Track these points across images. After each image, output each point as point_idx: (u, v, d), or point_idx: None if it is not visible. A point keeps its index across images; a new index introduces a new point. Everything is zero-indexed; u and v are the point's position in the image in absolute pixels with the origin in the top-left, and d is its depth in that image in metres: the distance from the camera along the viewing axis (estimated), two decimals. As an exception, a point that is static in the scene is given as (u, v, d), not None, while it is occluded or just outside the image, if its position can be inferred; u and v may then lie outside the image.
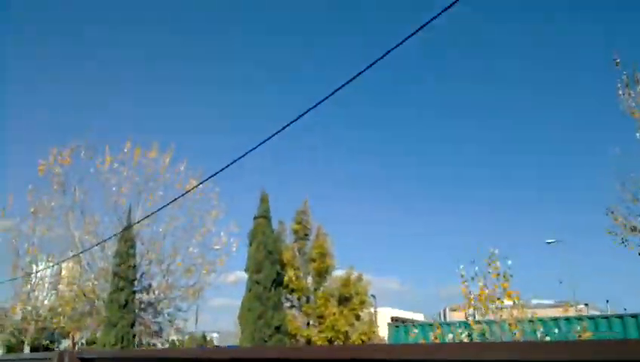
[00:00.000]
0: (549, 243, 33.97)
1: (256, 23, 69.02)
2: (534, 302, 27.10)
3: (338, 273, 19.76)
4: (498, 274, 12.22)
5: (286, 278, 18.40)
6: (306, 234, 19.83)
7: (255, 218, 16.26)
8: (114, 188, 20.21)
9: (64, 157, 20.29)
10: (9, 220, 21.88)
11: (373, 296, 21.62)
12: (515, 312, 12.03)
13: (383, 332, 20.22)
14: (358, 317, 19.28)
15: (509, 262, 11.80)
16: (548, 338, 11.78)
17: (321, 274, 19.41)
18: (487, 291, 12.25)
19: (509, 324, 11.87)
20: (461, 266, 12.25)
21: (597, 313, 23.34)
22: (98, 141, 20.97)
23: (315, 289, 19.42)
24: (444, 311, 39.50)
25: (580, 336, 11.68)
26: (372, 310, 19.47)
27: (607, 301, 35.20)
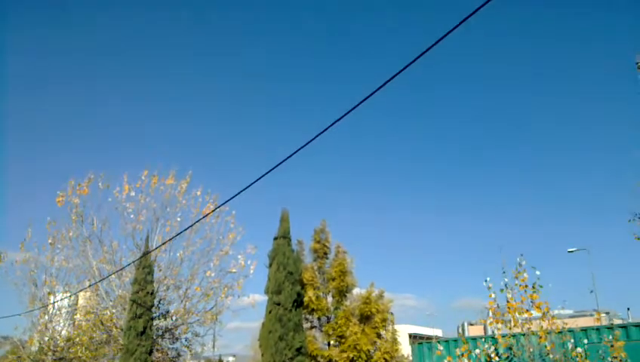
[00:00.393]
0: (571, 251, 33.62)
1: (279, 44, 70.05)
2: (554, 312, 26.58)
3: (358, 291, 19.60)
4: (526, 286, 12.09)
5: (306, 298, 18.25)
6: (325, 253, 19.74)
7: (275, 238, 16.23)
8: (132, 216, 20.32)
9: (82, 187, 20.47)
10: (28, 252, 21.96)
11: (392, 314, 21.36)
12: (544, 324, 11.86)
13: (405, 350, 19.92)
14: (379, 336, 19.05)
15: (538, 273, 11.69)
16: (579, 350, 11.57)
17: (342, 292, 19.24)
18: (515, 303, 12.12)
19: (539, 337, 11.70)
20: (487, 278, 12.14)
21: (619, 321, 22.98)
22: (116, 170, 21.20)
23: (336, 309, 19.23)
24: (463, 325, 39.02)
25: (612, 346, 11.47)
26: (394, 327, 19.21)
27: (629, 309, 34.69)
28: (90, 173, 21.04)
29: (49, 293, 22.87)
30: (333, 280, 19.19)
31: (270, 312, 15.80)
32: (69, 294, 23.60)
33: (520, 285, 11.86)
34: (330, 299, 19.56)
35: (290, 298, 15.76)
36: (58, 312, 25.50)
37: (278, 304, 15.73)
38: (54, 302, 24.23)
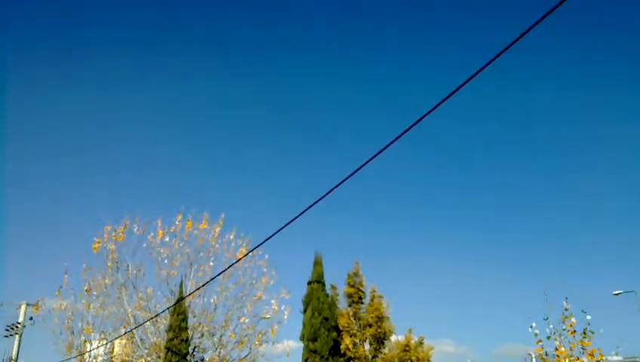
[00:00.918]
0: (617, 294, 31.86)
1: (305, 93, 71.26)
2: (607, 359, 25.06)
3: (396, 338, 18.83)
4: (574, 331, 11.37)
5: (343, 346, 17.64)
6: (360, 298, 19.18)
7: (309, 283, 15.93)
8: (165, 261, 20.39)
9: (118, 233, 20.79)
10: (64, 300, 22.20)
11: (431, 362, 20.38)
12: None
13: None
14: (419, 385, 18.11)
15: (589, 317, 10.97)
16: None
17: (379, 339, 18.53)
18: (564, 350, 11.37)
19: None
20: (533, 324, 11.48)
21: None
22: (150, 214, 21.50)
23: (374, 357, 18.48)
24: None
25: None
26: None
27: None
28: (126, 219, 21.39)
29: (85, 341, 22.92)
30: (370, 326, 18.54)
31: (307, 360, 15.33)
32: (104, 342, 23.60)
33: (568, 330, 11.15)
34: (367, 346, 18.85)
35: (327, 345, 15.31)
36: (94, 361, 25.50)
37: (315, 351, 15.28)
38: (91, 350, 24.27)
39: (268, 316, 20.79)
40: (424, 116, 5.75)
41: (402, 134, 6.23)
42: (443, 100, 5.56)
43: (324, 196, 7.68)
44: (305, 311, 15.86)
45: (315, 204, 7.97)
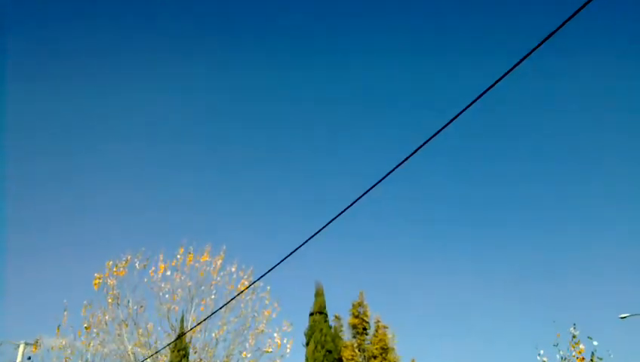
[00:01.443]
0: (623, 317, 31.39)
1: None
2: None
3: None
4: (583, 359, 11.20)
5: (347, 378, 17.30)
6: (365, 329, 18.89)
7: (311, 314, 15.72)
8: (166, 296, 20.21)
9: (119, 269, 20.65)
10: (64, 338, 21.85)
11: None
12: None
13: None
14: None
15: (595, 343, 10.81)
16: None
17: (384, 371, 18.18)
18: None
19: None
20: (541, 351, 11.31)
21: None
22: (152, 247, 21.39)
23: (380, 389, 18.10)
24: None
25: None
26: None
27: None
28: (127, 254, 21.26)
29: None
30: (375, 358, 18.19)
31: (310, 394, 15.01)
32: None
33: (577, 357, 10.98)
34: (372, 378, 18.48)
35: (330, 378, 15.01)
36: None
37: (318, 385, 14.97)
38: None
39: (270, 350, 20.47)
40: (424, 143, 5.80)
41: (406, 158, 6.27)
42: (432, 136, 5.62)
43: (326, 226, 7.66)
44: (307, 344, 15.61)
45: (316, 233, 7.94)
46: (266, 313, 20.86)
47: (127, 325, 20.08)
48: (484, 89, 5.11)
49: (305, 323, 18.24)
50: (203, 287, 20.62)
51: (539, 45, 4.62)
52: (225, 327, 20.27)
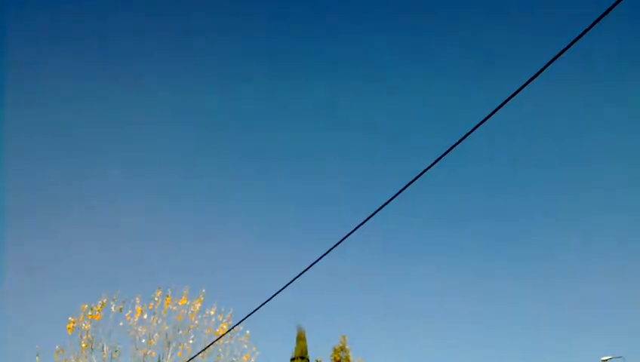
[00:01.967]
0: (605, 360, 31.33)
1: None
2: None
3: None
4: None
5: None
6: (347, 374, 18.57)
7: (292, 360, 15.38)
8: (143, 341, 19.57)
9: (95, 312, 20.02)
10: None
11: None
12: None
13: None
14: None
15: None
16: None
17: (367, 418, 17.74)
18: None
19: None
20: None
21: None
22: (129, 289, 20.86)
23: None
24: None
25: None
26: None
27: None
28: (103, 297, 20.68)
29: None
30: (357, 403, 17.83)
31: None
32: None
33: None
34: (354, 425, 18.00)
35: None
36: None
37: None
38: None
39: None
40: (407, 186, 5.88)
41: (388, 202, 6.34)
42: (415, 177, 5.73)
43: (307, 269, 7.63)
44: (289, 390, 15.22)
45: (298, 276, 7.90)
46: (244, 358, 20.32)
47: (101, 371, 19.34)
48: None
49: (286, 367, 17.83)
50: (181, 331, 20.07)
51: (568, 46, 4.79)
52: (203, 374, 19.64)
